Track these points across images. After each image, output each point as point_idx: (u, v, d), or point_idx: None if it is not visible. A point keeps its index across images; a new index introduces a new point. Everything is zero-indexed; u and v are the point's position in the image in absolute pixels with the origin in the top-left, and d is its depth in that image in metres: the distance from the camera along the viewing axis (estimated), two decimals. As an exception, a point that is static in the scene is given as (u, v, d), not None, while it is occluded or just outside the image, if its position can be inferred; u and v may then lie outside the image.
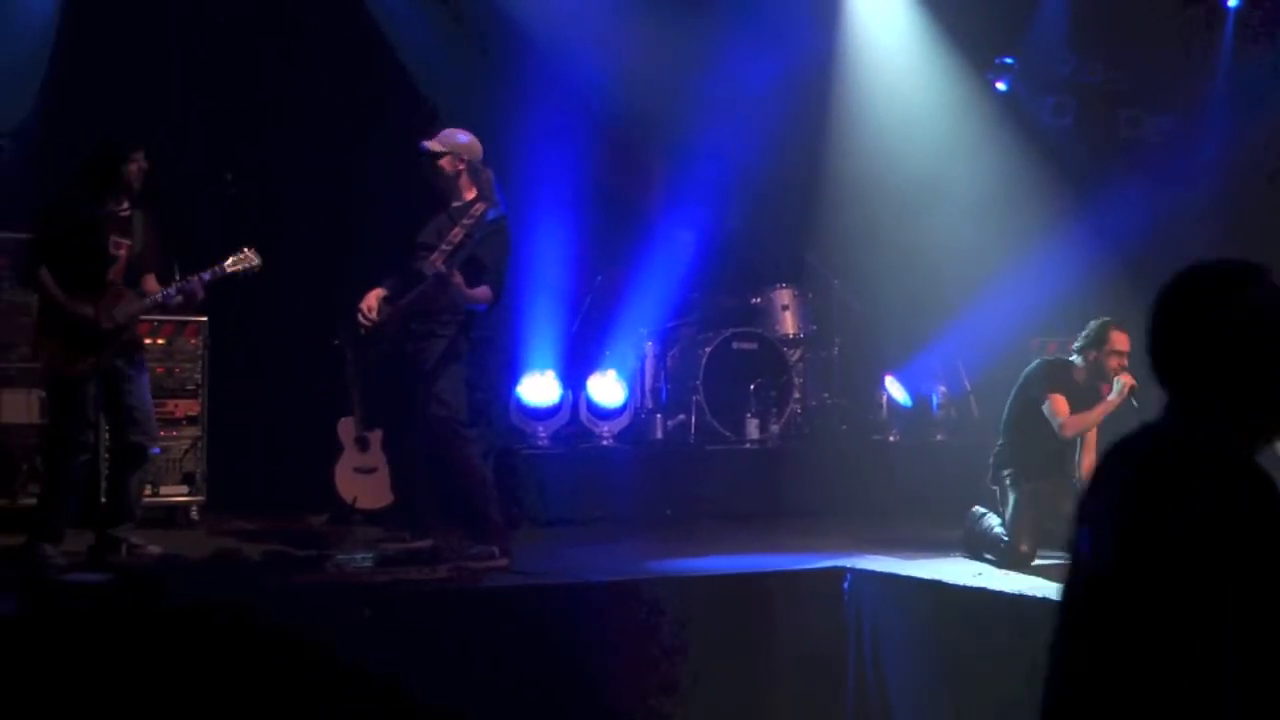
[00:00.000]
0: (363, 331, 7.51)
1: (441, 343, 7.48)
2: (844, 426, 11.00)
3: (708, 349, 10.59)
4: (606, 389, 10.43)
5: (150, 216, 7.78)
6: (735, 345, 10.74)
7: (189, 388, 9.22)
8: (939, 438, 11.03)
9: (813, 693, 6.82)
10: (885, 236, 11.51)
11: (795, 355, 11.08)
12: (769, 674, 6.76)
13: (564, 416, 10.18)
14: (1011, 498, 7.68)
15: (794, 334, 11.24)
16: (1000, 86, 12.34)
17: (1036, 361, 8.03)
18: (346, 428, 9.53)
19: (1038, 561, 7.56)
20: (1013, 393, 7.99)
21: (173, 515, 9.13)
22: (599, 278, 11.24)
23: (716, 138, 11.19)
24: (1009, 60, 12.23)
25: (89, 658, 5.61)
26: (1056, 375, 7.75)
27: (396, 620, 6.15)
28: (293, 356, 10.14)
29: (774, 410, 10.68)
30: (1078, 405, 7.65)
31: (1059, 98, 12.78)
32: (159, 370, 9.10)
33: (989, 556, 7.59)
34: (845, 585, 7.18)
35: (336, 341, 9.70)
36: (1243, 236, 12.17)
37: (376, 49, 10.42)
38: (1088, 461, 7.77)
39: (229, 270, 7.75)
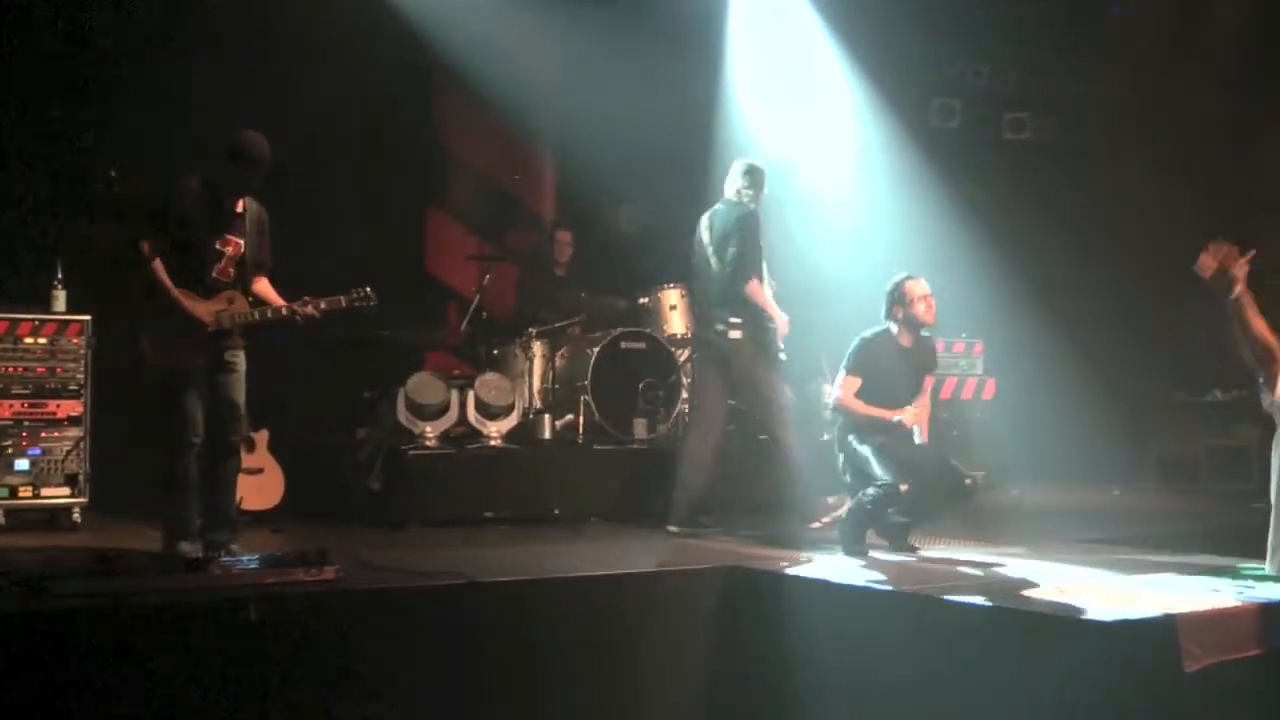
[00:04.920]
0: None
1: None
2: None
3: (596, 349, 10.62)
4: (494, 388, 10.41)
5: (264, 215, 7.65)
6: (623, 345, 10.78)
7: (71, 388, 9.07)
8: (826, 437, 11.10)
9: (694, 693, 6.86)
10: (773, 236, 11.60)
11: (683, 355, 11.13)
12: (650, 675, 6.79)
13: (452, 416, 10.14)
14: (867, 449, 7.92)
15: (682, 334, 11.29)
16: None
17: (858, 338, 8.26)
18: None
19: (926, 554, 7.75)
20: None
21: (55, 517, 9.03)
22: (487, 277, 11.23)
23: (604, 138, 11.21)
24: None
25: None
26: (867, 350, 8.13)
27: (282, 621, 6.11)
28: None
29: (662, 410, 10.75)
30: (904, 370, 8.15)
31: (944, 100, 12.96)
32: (40, 370, 8.99)
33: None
34: (730, 585, 7.22)
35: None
36: (1134, 239, 12.50)
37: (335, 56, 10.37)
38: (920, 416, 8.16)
39: (346, 306, 7.63)
